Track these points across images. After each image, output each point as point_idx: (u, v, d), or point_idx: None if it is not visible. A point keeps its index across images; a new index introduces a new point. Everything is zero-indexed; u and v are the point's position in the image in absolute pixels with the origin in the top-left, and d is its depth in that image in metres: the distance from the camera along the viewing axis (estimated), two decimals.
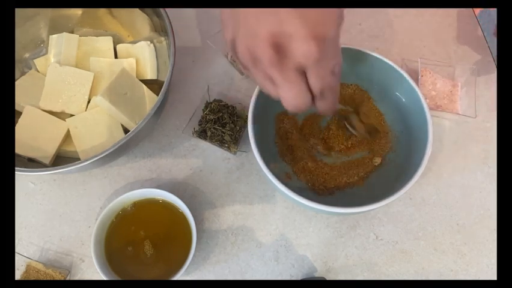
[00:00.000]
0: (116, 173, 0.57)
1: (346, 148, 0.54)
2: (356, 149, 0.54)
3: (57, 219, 0.55)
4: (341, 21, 0.33)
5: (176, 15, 0.63)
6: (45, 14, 0.59)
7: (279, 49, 0.31)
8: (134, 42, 0.58)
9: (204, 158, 0.57)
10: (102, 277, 0.47)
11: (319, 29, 0.30)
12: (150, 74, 0.57)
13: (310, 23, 0.30)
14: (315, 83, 0.33)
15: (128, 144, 0.48)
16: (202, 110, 0.56)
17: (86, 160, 0.46)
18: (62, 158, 0.56)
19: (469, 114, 0.56)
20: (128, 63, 0.57)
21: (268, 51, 0.30)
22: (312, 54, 0.30)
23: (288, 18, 0.30)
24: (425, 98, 0.52)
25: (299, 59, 0.31)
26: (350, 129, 0.50)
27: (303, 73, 0.33)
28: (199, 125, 0.56)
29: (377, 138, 0.53)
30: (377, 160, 0.52)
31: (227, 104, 0.56)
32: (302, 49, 0.30)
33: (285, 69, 0.32)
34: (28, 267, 0.51)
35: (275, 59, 0.31)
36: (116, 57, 0.59)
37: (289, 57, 0.31)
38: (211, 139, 0.55)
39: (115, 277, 0.48)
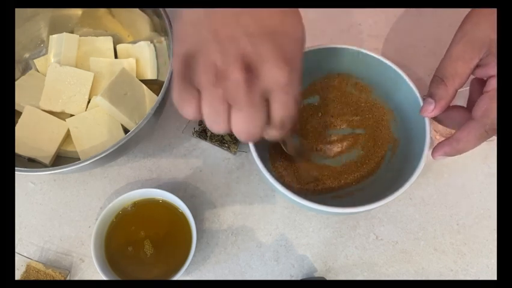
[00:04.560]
0: (116, 173, 0.57)
1: (343, 148, 0.54)
2: (354, 149, 0.54)
3: (57, 219, 0.55)
4: (304, 47, 0.33)
5: (176, 15, 0.63)
6: (45, 14, 0.59)
7: (250, 70, 0.29)
8: (134, 42, 0.58)
9: (204, 158, 0.57)
10: (102, 277, 0.47)
11: (289, 53, 0.30)
12: (150, 74, 0.57)
13: (282, 47, 0.30)
14: (278, 109, 0.31)
15: (128, 144, 0.48)
16: None
17: (86, 160, 0.46)
18: (62, 158, 0.56)
19: None
20: (128, 63, 0.56)
21: (240, 70, 0.29)
22: (282, 79, 0.30)
23: (261, 41, 0.29)
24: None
25: (268, 82, 0.30)
26: (284, 147, 0.50)
27: (266, 99, 0.31)
28: (199, 125, 0.56)
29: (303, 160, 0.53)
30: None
31: None
32: (273, 72, 0.29)
33: (252, 91, 0.30)
34: (28, 267, 0.51)
35: (244, 80, 0.29)
36: (116, 57, 0.59)
37: (259, 79, 0.30)
38: (211, 139, 0.55)
39: (115, 277, 0.48)
